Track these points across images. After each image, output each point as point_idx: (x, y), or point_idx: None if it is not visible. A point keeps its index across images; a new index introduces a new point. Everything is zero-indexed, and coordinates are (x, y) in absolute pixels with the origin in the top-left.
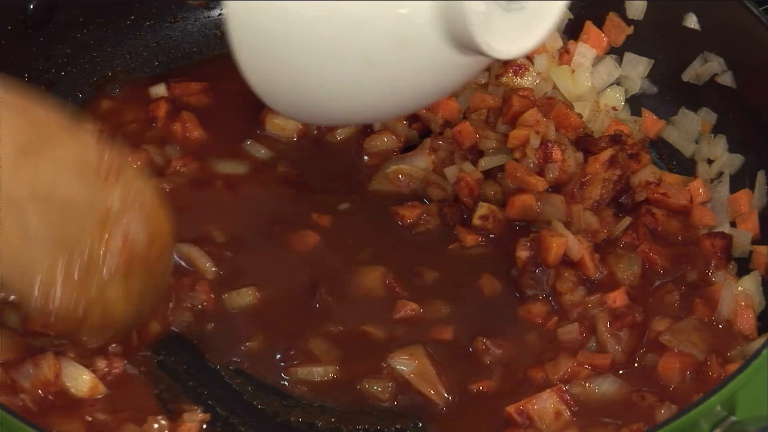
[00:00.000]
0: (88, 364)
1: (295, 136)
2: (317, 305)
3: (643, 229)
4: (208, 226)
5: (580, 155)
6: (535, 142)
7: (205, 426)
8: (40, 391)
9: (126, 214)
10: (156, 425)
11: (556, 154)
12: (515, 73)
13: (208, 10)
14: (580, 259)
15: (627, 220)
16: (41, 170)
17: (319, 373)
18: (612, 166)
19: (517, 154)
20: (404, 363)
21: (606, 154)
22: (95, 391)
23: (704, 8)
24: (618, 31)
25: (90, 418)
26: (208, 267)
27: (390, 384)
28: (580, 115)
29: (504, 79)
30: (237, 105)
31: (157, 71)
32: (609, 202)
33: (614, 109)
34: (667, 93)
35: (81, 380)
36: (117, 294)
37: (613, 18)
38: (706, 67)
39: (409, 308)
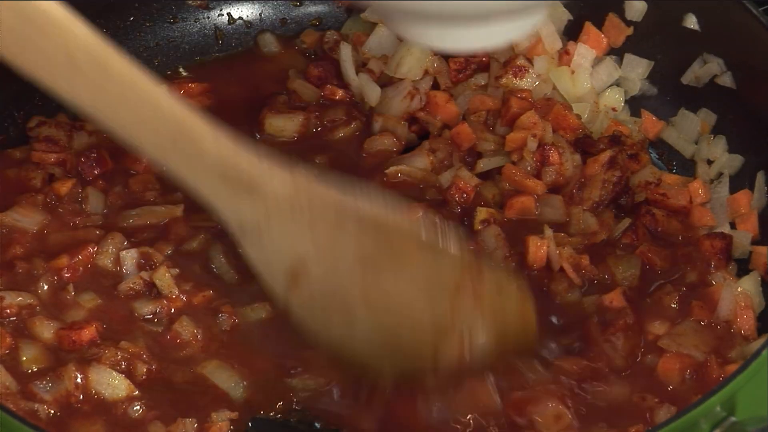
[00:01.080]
0: (125, 370)
1: (296, 136)
2: None
3: (642, 230)
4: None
5: (578, 157)
6: (532, 145)
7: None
8: (61, 401)
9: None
10: (184, 427)
11: (554, 156)
12: (515, 75)
13: (208, 11)
14: (561, 268)
15: (626, 221)
16: (380, 283)
17: (318, 383)
18: (611, 167)
19: (514, 157)
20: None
21: (605, 155)
22: (131, 394)
23: (704, 9)
24: (618, 32)
25: (116, 419)
26: (228, 276)
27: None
28: (579, 116)
29: (503, 81)
30: (236, 106)
31: (157, 71)
32: (609, 203)
33: (614, 110)
34: (667, 94)
35: (116, 385)
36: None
37: (612, 19)
38: (706, 69)
39: None
